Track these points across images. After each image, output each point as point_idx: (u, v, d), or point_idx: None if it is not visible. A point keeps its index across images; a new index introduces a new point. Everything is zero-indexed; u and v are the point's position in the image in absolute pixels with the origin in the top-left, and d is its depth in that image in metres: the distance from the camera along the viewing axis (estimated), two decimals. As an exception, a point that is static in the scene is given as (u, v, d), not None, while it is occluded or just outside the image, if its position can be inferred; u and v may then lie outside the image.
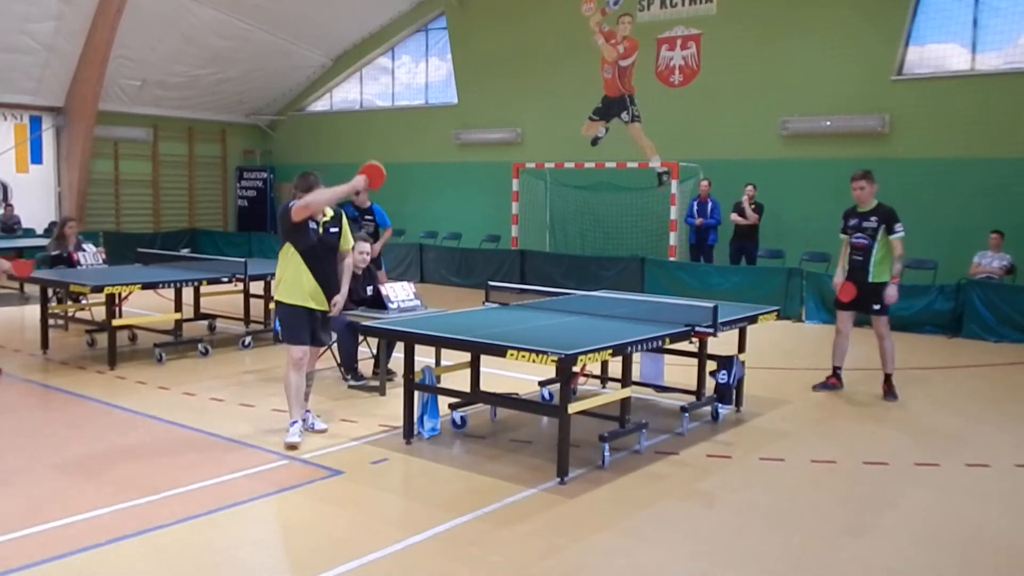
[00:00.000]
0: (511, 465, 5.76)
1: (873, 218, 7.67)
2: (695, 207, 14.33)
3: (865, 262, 7.73)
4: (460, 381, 6.79)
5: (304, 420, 6.31)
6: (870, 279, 7.72)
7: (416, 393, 6.24)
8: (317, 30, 19.35)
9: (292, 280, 6.09)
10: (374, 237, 9.31)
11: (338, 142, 20.83)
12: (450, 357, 7.04)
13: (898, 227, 7.61)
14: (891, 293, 7.66)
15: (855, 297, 7.85)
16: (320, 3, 18.23)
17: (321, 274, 6.12)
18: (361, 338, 7.98)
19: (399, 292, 7.90)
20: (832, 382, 8.13)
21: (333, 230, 6.25)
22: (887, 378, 7.89)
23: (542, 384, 7.36)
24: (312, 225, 6.08)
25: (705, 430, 6.73)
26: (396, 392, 7.00)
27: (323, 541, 4.54)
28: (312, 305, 6.11)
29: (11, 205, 17.36)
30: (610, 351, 5.58)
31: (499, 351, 5.45)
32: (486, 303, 7.42)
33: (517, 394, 6.74)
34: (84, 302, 10.29)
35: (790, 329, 11.22)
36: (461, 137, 18.55)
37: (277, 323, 6.63)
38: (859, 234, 7.77)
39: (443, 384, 6.68)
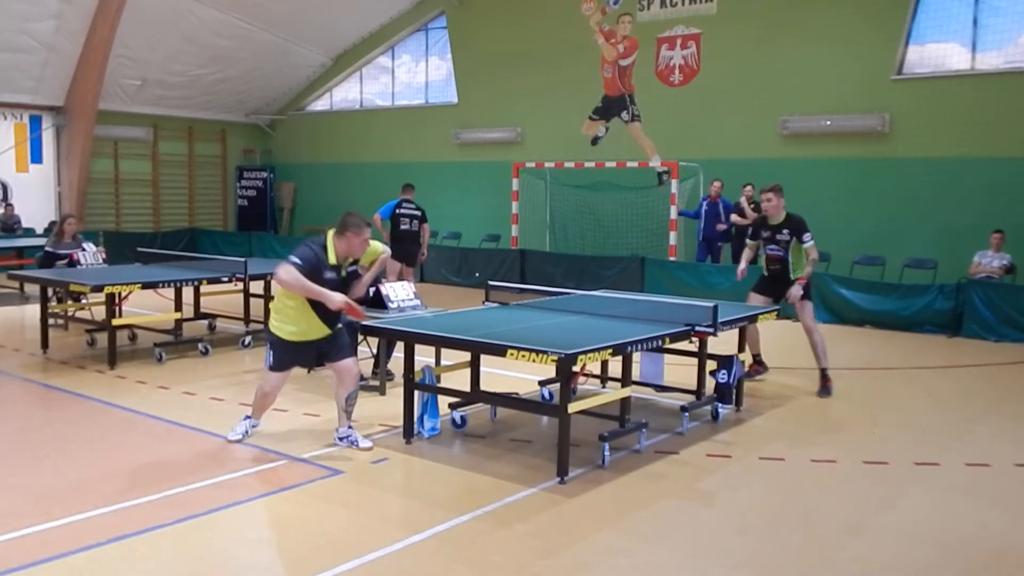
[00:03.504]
0: (511, 465, 5.76)
1: (785, 231, 7.98)
2: (705, 206, 14.33)
3: (784, 270, 8.06)
4: (460, 381, 6.79)
5: (347, 437, 6.01)
6: (791, 278, 8.02)
7: (416, 393, 6.24)
8: (317, 29, 19.35)
9: (295, 316, 5.73)
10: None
11: (338, 141, 20.83)
12: (450, 357, 7.04)
13: (807, 236, 7.89)
14: (794, 292, 7.88)
15: (772, 291, 8.21)
16: (320, 3, 18.23)
17: (325, 311, 5.77)
18: (361, 338, 7.98)
19: (399, 292, 7.89)
20: (755, 368, 8.44)
21: (352, 268, 5.99)
22: (822, 372, 7.94)
23: (542, 384, 7.36)
24: (329, 275, 5.74)
25: (705, 430, 6.73)
26: (396, 392, 7.00)
27: (323, 541, 4.54)
28: (313, 338, 5.84)
29: (11, 205, 17.35)
30: (610, 351, 5.58)
31: (499, 351, 5.45)
32: (486, 303, 7.42)
33: (517, 394, 6.75)
34: (84, 301, 10.29)
35: (790, 329, 11.20)
36: (461, 137, 18.55)
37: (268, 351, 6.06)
38: (773, 246, 8.09)
39: (443, 384, 6.68)
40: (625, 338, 5.72)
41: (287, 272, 5.57)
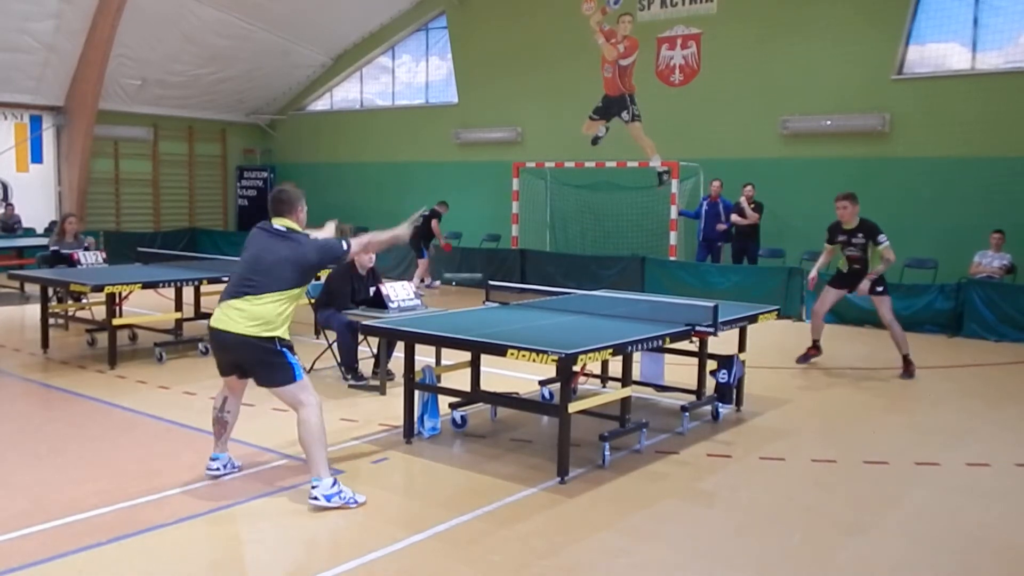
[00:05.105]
0: (511, 464, 5.76)
1: (860, 235, 8.70)
2: (705, 206, 14.34)
3: (864, 269, 8.78)
4: (460, 380, 6.79)
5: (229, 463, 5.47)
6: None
7: (416, 392, 6.24)
8: (317, 29, 19.35)
9: (290, 315, 5.10)
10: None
11: (338, 141, 20.83)
12: (450, 356, 7.04)
13: (882, 238, 8.61)
14: (862, 286, 8.62)
15: (846, 285, 8.99)
16: (321, 2, 18.22)
17: None
18: (361, 338, 7.99)
19: (399, 292, 7.90)
20: (812, 353, 9.19)
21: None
22: (904, 358, 8.72)
23: (542, 383, 7.36)
24: None
25: (705, 429, 6.73)
26: (396, 392, 7.00)
27: (323, 541, 4.54)
28: None
29: (11, 204, 17.36)
30: (610, 350, 5.58)
31: (499, 350, 5.45)
32: (486, 302, 7.42)
33: (517, 393, 6.74)
34: (84, 301, 10.30)
35: (790, 328, 11.23)
36: (461, 136, 18.55)
37: (290, 368, 5.01)
38: (851, 248, 8.81)
39: (443, 383, 6.68)
40: (625, 338, 5.72)
41: (363, 244, 5.36)
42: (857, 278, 8.77)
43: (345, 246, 5.18)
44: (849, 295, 9.17)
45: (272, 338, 4.97)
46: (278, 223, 5.19)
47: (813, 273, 9.14)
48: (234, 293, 5.07)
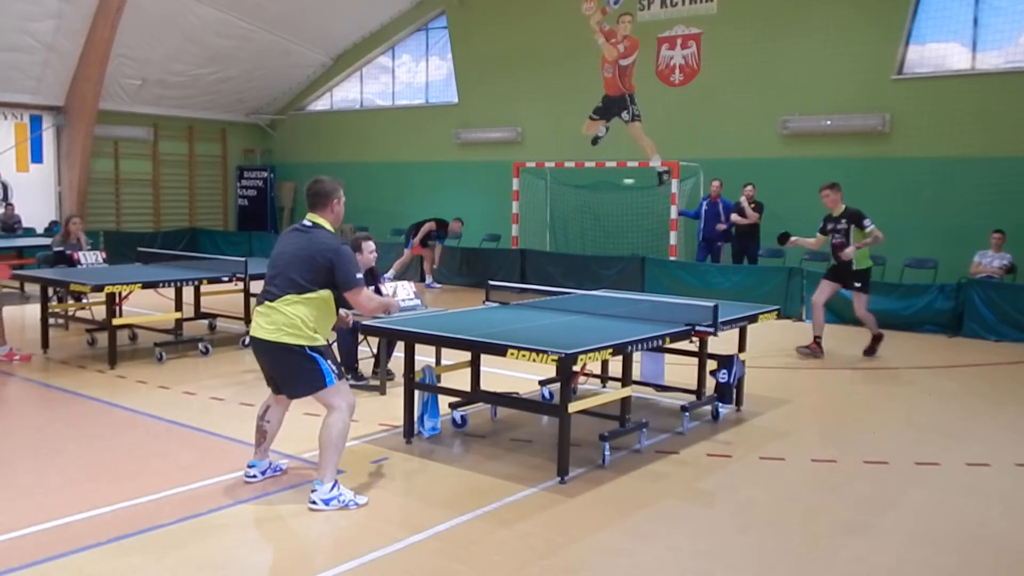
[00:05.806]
0: (511, 464, 5.76)
1: (843, 220, 9.32)
2: (705, 206, 14.34)
3: (848, 260, 9.29)
4: (460, 380, 6.79)
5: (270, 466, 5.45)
6: (853, 268, 9.36)
7: (416, 392, 6.24)
8: (317, 29, 19.35)
9: (324, 319, 5.00)
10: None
11: (339, 141, 20.84)
12: (450, 356, 7.03)
13: (867, 222, 9.20)
14: (848, 251, 9.21)
15: (839, 279, 9.61)
16: (321, 2, 18.23)
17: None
18: (361, 338, 7.99)
19: (399, 291, 7.90)
20: (814, 347, 9.54)
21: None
22: (874, 337, 9.44)
23: (542, 383, 7.37)
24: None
25: (705, 429, 6.74)
26: (396, 391, 7.01)
27: (323, 541, 4.54)
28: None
29: (11, 204, 17.36)
30: (610, 350, 5.58)
31: (499, 350, 5.45)
32: (486, 302, 7.42)
33: (517, 393, 6.75)
34: (84, 301, 10.30)
35: (790, 328, 11.23)
36: (461, 136, 18.54)
37: (320, 374, 4.92)
38: (836, 235, 9.36)
39: (443, 383, 6.68)
40: (625, 338, 5.72)
41: (368, 299, 5.07)
42: (843, 271, 9.40)
43: (359, 278, 4.93)
44: (843, 290, 9.75)
45: (301, 346, 4.83)
46: (308, 218, 5.07)
47: (800, 239, 9.74)
48: (260, 299, 5.07)
